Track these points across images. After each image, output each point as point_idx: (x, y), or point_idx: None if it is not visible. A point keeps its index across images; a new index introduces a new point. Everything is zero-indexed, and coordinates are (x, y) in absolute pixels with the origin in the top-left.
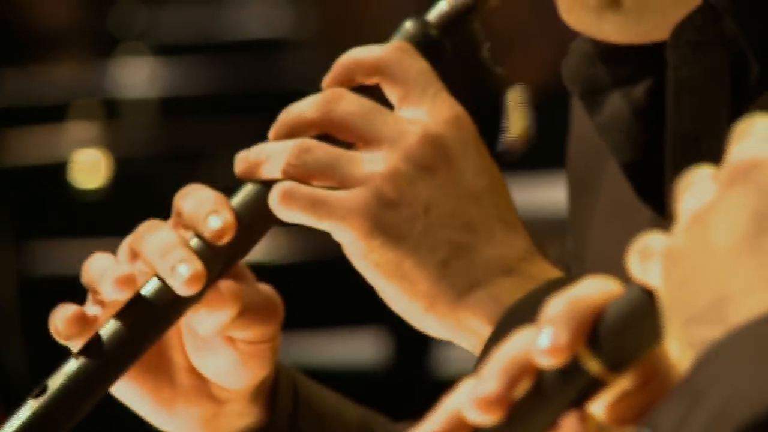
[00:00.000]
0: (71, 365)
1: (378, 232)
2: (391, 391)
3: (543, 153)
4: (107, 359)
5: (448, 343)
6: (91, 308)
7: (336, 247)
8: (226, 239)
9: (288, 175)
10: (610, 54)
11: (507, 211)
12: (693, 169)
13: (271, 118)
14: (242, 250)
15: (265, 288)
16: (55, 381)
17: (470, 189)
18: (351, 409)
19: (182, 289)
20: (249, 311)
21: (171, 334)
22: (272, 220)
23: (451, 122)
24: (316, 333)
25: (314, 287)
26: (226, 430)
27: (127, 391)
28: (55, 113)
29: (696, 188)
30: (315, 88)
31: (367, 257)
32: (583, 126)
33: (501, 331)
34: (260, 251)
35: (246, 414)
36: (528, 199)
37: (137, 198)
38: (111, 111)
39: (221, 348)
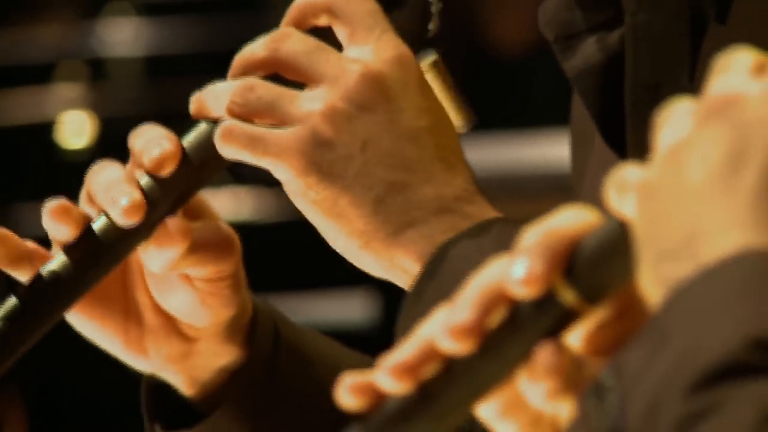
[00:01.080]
0: (11, 302)
1: (314, 169)
2: (380, 352)
3: (546, 110)
4: (52, 294)
5: None
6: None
7: None
8: (168, 170)
9: (232, 113)
10: None
11: (449, 151)
12: (673, 102)
13: None
14: (192, 186)
15: (221, 225)
16: (0, 312)
17: (409, 128)
18: (341, 353)
19: (121, 219)
20: (201, 248)
21: (134, 274)
22: (221, 159)
23: (393, 61)
24: (304, 294)
25: (302, 247)
26: (202, 369)
27: (96, 332)
28: (40, 74)
29: (673, 122)
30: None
31: (304, 195)
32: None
33: (428, 271)
34: (248, 211)
35: (221, 353)
36: (530, 156)
37: (124, 159)
38: (97, 71)
39: (179, 286)
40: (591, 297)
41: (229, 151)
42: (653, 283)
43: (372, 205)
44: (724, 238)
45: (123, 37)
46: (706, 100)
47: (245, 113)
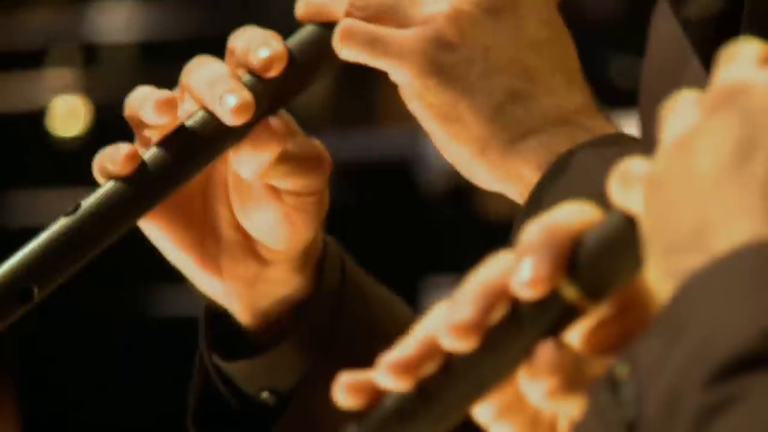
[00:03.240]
0: (107, 187)
1: (434, 72)
2: None
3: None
4: (144, 184)
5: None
6: (138, 147)
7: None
8: (275, 71)
9: (351, 16)
10: None
11: (569, 66)
12: (678, 94)
13: None
14: (293, 89)
15: (313, 140)
16: (89, 201)
17: (533, 38)
18: (399, 304)
19: (229, 118)
20: (293, 158)
21: (217, 187)
22: (326, 61)
23: None
24: None
25: None
26: (267, 297)
27: (175, 245)
28: (32, 59)
29: (680, 112)
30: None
31: (421, 98)
32: (662, 40)
33: (549, 178)
34: None
35: (290, 282)
36: None
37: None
38: (90, 56)
39: (264, 200)
40: (593, 294)
41: (347, 52)
42: (663, 276)
43: (491, 111)
44: (734, 228)
45: (117, 21)
46: (714, 90)
47: (365, 16)
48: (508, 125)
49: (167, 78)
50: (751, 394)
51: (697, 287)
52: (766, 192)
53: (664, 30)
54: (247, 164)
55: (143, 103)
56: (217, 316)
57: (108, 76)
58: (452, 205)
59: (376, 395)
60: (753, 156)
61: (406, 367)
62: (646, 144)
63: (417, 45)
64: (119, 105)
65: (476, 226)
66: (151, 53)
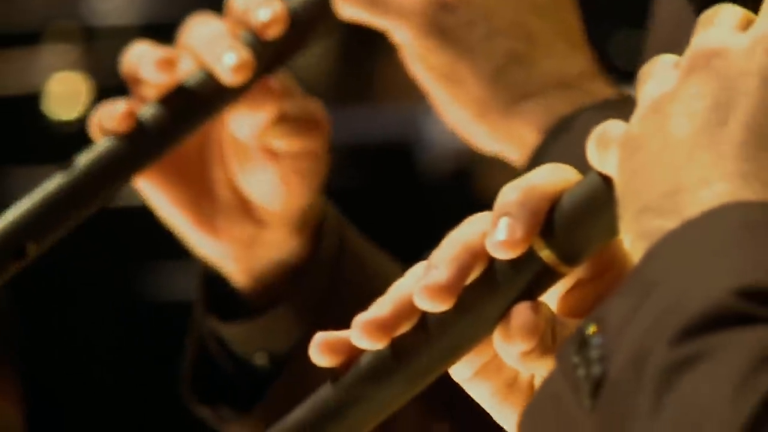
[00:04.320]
0: (103, 143)
1: (435, 33)
2: None
3: None
4: (140, 142)
5: None
6: (134, 103)
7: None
8: (274, 32)
9: None
10: None
11: (571, 30)
12: (656, 58)
13: None
14: (292, 49)
15: (311, 101)
16: (84, 157)
17: (536, 1)
18: (398, 271)
19: (228, 76)
20: (291, 119)
21: (213, 147)
22: (326, 22)
23: None
24: None
25: None
26: (264, 260)
27: (171, 205)
28: (30, 38)
29: (657, 76)
30: None
31: (422, 59)
32: (667, 15)
33: (548, 141)
34: None
35: (287, 246)
36: None
37: None
38: (90, 35)
39: (261, 161)
40: (569, 257)
41: (349, 10)
42: (636, 237)
43: (492, 73)
44: (708, 190)
45: (117, 3)
46: (691, 53)
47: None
48: (509, 87)
49: None
50: (718, 351)
51: (669, 248)
52: (741, 155)
53: (669, 5)
54: (244, 124)
55: (142, 60)
56: (213, 279)
57: (107, 57)
58: (453, 185)
59: (353, 354)
60: (728, 119)
61: (380, 327)
62: None
63: (418, 5)
64: (119, 86)
65: (477, 207)
66: (151, 34)
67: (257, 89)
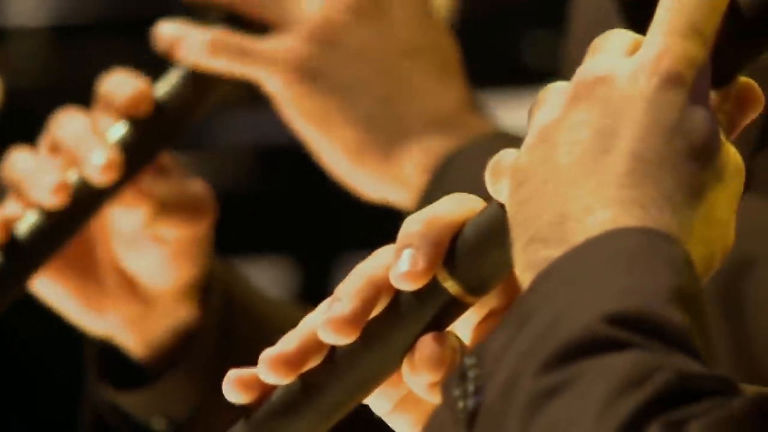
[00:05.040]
0: None
1: (305, 79)
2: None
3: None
4: (24, 255)
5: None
6: (12, 207)
7: (236, 180)
8: (141, 110)
9: (230, 6)
10: None
11: (446, 68)
12: (547, 85)
13: None
14: (165, 138)
15: (197, 185)
16: None
17: (407, 43)
18: (296, 315)
19: (98, 176)
20: (173, 208)
21: (97, 233)
22: (197, 107)
23: None
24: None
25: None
26: (156, 330)
27: (55, 291)
28: None
29: (545, 104)
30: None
31: (294, 105)
32: (586, 13)
33: (435, 181)
34: None
35: (176, 315)
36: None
37: (30, 131)
38: (1, 37)
39: (148, 245)
40: (474, 286)
41: (218, 62)
42: (524, 268)
43: (364, 117)
44: (592, 218)
45: (29, 5)
46: (576, 81)
47: (243, 5)
48: (383, 129)
49: (78, 61)
50: (582, 378)
51: (550, 277)
52: (625, 183)
53: (587, 3)
54: (125, 219)
55: (32, 181)
56: (112, 349)
57: (18, 59)
58: None
59: (266, 391)
60: (612, 146)
61: (286, 363)
62: None
63: (286, 53)
64: (30, 90)
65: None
66: (62, 36)
67: (130, 191)
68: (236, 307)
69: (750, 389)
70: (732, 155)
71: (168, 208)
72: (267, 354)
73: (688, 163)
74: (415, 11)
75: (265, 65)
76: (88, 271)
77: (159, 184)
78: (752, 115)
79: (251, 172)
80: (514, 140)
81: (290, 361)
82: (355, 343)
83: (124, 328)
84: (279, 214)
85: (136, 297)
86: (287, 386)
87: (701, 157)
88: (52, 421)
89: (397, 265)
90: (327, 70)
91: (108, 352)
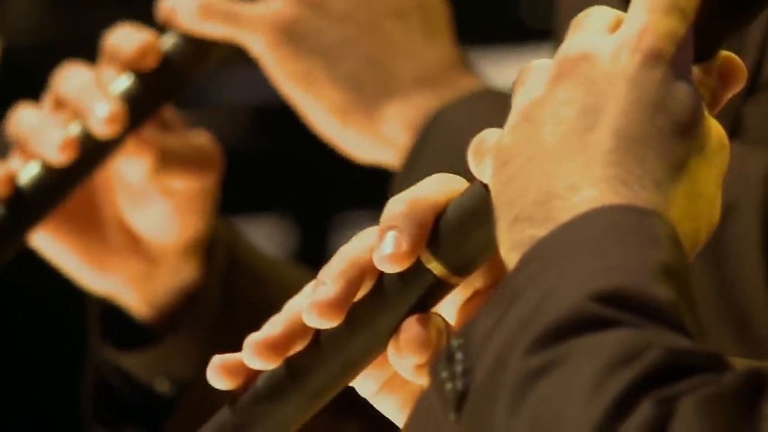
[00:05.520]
0: None
1: (289, 41)
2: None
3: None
4: (26, 206)
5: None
6: (17, 163)
7: (235, 138)
8: (148, 63)
9: None
10: None
11: (435, 27)
12: (527, 65)
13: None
14: (169, 92)
15: (200, 137)
16: None
17: (391, 3)
18: (299, 276)
19: (102, 128)
20: (181, 158)
21: (102, 189)
22: (200, 62)
23: None
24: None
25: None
26: (159, 289)
27: (57, 247)
28: None
29: (527, 83)
30: None
31: (280, 67)
32: None
33: (421, 140)
34: None
35: (180, 274)
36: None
37: (27, 90)
38: None
39: (155, 198)
40: (458, 267)
41: (206, 26)
42: (510, 248)
43: (347, 77)
44: (577, 196)
45: None
46: (558, 60)
47: None
48: (368, 89)
49: (74, 18)
50: (571, 357)
51: (537, 256)
52: (610, 160)
53: None
54: (132, 169)
55: (39, 137)
56: (112, 309)
57: (15, 18)
58: None
59: (251, 376)
60: (596, 124)
61: (272, 347)
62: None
63: (271, 16)
64: (28, 47)
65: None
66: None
67: (135, 141)
68: (239, 266)
69: (739, 363)
70: (715, 130)
71: (173, 159)
72: (252, 339)
73: (672, 140)
74: None
75: (251, 28)
76: (92, 228)
77: (162, 136)
78: (735, 89)
79: (249, 131)
80: (500, 97)
81: (276, 346)
82: (340, 326)
83: (128, 286)
84: (277, 173)
85: (140, 255)
86: (272, 371)
87: (685, 133)
88: (55, 385)
89: (380, 247)
90: (312, 31)
91: (111, 313)
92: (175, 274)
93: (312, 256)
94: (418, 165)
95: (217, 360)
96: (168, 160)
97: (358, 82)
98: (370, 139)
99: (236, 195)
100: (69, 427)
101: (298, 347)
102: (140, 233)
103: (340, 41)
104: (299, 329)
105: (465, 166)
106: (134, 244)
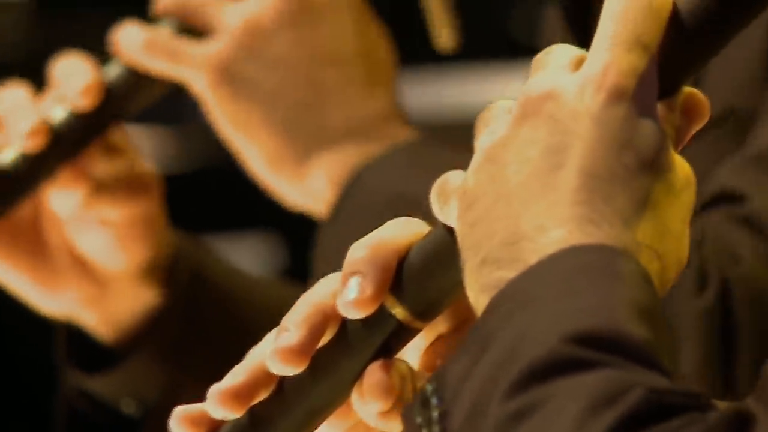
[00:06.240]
0: None
1: (227, 82)
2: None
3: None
4: None
5: None
6: None
7: (222, 155)
8: (88, 102)
9: (164, 12)
10: None
11: (375, 76)
12: (490, 105)
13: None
14: (108, 121)
15: (139, 164)
16: None
17: (332, 52)
18: (270, 291)
19: (25, 142)
20: (114, 188)
21: (47, 213)
22: (137, 98)
23: None
24: (206, 237)
25: (205, 194)
26: (118, 311)
27: (6, 269)
28: None
29: (491, 124)
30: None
31: (218, 107)
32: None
33: (344, 195)
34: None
35: (138, 295)
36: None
37: None
38: None
39: (93, 227)
40: (422, 312)
41: (151, 61)
42: (479, 291)
43: (281, 124)
44: (546, 237)
45: None
46: (522, 99)
47: (177, 10)
48: (300, 138)
49: (62, 36)
50: (552, 399)
51: (507, 299)
52: (576, 200)
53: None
54: (61, 202)
55: None
56: (82, 335)
57: (3, 27)
58: None
59: (214, 425)
60: (562, 163)
61: (235, 396)
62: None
63: (212, 57)
64: (12, 63)
65: None
66: (43, 9)
67: (66, 171)
68: (205, 286)
69: (721, 404)
70: (681, 166)
71: (107, 188)
72: (215, 388)
73: (638, 177)
74: (348, 19)
75: (192, 67)
76: (39, 250)
77: (101, 163)
78: (699, 125)
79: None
80: (422, 152)
81: (239, 395)
82: (303, 373)
83: (83, 308)
84: (264, 190)
85: (90, 277)
86: (236, 420)
87: (651, 170)
88: (30, 411)
89: (344, 292)
90: (248, 75)
91: (78, 338)
92: (132, 297)
93: (300, 273)
94: (339, 221)
95: (180, 411)
96: (101, 190)
97: (290, 130)
98: (298, 189)
99: (224, 212)
100: None
101: (263, 395)
102: (87, 258)
103: (276, 87)
104: (263, 377)
105: (382, 224)
106: (83, 268)
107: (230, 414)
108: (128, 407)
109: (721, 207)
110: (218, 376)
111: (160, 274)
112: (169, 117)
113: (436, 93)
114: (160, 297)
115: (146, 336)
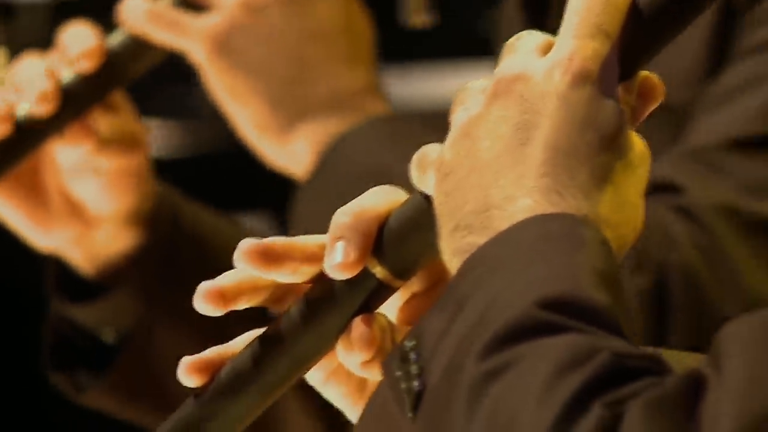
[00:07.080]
0: None
1: (223, 54)
2: None
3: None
4: None
5: None
6: None
7: (222, 139)
8: (89, 65)
9: None
10: None
11: (356, 52)
12: (465, 85)
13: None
14: (111, 83)
15: (132, 121)
16: None
17: (318, 28)
18: (241, 232)
19: (36, 107)
20: (111, 143)
21: (46, 159)
22: (141, 57)
23: None
24: None
25: (203, 178)
26: (101, 251)
27: (6, 207)
28: None
29: (466, 101)
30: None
31: (215, 77)
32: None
33: (322, 162)
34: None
35: (120, 238)
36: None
37: None
38: (7, 12)
39: (88, 174)
40: (401, 272)
41: (154, 32)
42: (452, 254)
43: (268, 95)
44: (514, 206)
45: None
46: (495, 79)
47: None
48: (284, 108)
49: None
50: (523, 360)
51: (479, 263)
52: (543, 172)
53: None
54: (65, 155)
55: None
56: (69, 268)
57: (23, 35)
58: None
59: (217, 368)
60: (530, 139)
61: (220, 296)
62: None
63: (210, 30)
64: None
65: None
66: (63, 12)
67: (73, 129)
68: (183, 231)
69: (675, 356)
70: (637, 143)
71: (107, 142)
72: (203, 286)
73: (599, 153)
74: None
75: (191, 38)
76: (36, 192)
77: (104, 121)
78: (653, 106)
79: (231, 134)
80: (395, 125)
81: (225, 296)
82: (296, 325)
83: (70, 245)
84: (258, 172)
85: (80, 219)
86: (234, 364)
87: (611, 147)
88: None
89: (331, 256)
90: (241, 48)
91: (67, 271)
92: (116, 239)
93: None
94: (316, 185)
95: (186, 361)
96: (101, 145)
97: (276, 101)
98: (281, 154)
99: (218, 194)
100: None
101: (245, 301)
102: (79, 202)
103: (265, 61)
104: (249, 284)
105: (355, 192)
106: (74, 210)
107: (214, 311)
108: (108, 336)
109: (661, 196)
110: (192, 312)
111: (143, 220)
112: (165, 107)
113: (412, 89)
114: (141, 239)
115: (127, 273)
